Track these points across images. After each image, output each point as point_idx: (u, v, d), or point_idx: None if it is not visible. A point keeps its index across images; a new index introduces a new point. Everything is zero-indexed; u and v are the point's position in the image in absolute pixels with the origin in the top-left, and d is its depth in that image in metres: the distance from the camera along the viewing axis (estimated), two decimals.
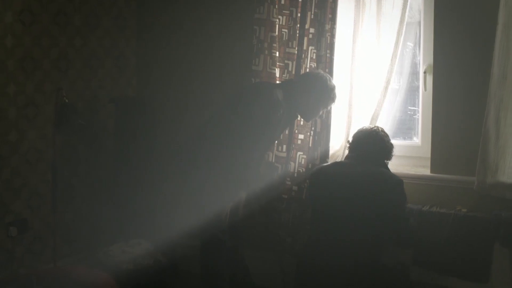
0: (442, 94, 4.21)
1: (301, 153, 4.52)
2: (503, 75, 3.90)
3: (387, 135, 3.88)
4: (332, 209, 3.65)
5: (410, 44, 4.51)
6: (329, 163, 4.15)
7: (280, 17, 4.53)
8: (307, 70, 4.46)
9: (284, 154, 4.56)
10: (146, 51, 5.35)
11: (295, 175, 4.53)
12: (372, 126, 3.99)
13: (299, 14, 4.47)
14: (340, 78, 4.43)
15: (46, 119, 4.52)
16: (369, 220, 3.51)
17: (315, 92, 4.05)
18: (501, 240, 3.82)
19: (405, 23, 4.22)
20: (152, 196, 4.74)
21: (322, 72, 4.20)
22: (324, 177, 3.80)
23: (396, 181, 3.59)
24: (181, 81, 5.16)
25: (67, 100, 3.97)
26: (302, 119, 4.46)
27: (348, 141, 4.02)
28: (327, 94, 4.08)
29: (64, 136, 4.40)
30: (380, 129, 3.89)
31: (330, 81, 4.11)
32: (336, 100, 4.17)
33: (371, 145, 3.80)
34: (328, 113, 4.37)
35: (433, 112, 4.25)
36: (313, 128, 4.44)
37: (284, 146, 4.55)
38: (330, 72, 4.34)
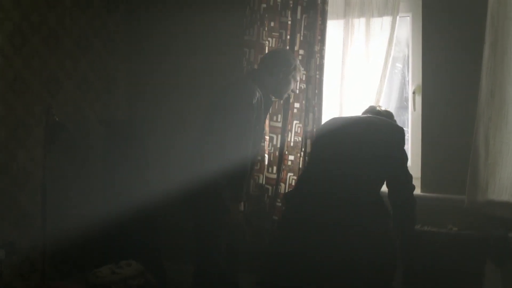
0: (431, 113, 4.25)
1: (292, 174, 4.52)
2: (491, 93, 3.95)
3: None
4: (330, 148, 3.68)
5: (399, 65, 4.56)
6: None
7: (269, 39, 4.58)
8: (297, 91, 4.49)
9: (275, 176, 4.56)
10: (136, 74, 5.36)
11: None
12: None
13: (288, 36, 4.52)
14: (330, 98, 4.46)
15: (36, 141, 4.49)
16: (367, 160, 3.53)
17: (281, 67, 4.06)
18: (492, 258, 3.82)
19: (393, 44, 4.28)
20: (142, 216, 4.71)
21: (279, 47, 4.37)
22: (330, 123, 3.87)
23: (399, 127, 3.70)
24: (171, 104, 5.17)
25: (57, 119, 3.97)
26: (292, 140, 4.48)
27: None
28: (292, 65, 4.10)
29: (54, 154, 4.37)
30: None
31: (290, 53, 4.24)
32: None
33: (382, 113, 3.93)
34: None
35: (422, 131, 4.29)
36: (303, 149, 4.46)
37: (275, 167, 4.56)
38: (320, 93, 4.39)
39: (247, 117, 3.83)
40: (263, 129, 4.27)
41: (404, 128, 3.78)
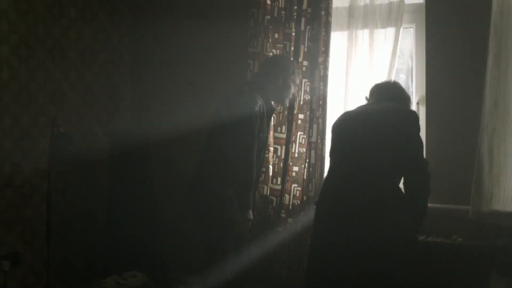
0: (435, 124, 4.27)
1: (296, 185, 4.53)
2: (495, 104, 3.96)
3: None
4: (349, 144, 3.63)
5: (402, 76, 4.57)
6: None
7: (274, 50, 4.59)
8: (301, 103, 4.51)
9: (279, 187, 4.56)
10: (140, 86, 5.38)
11: (290, 207, 4.53)
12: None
13: (292, 48, 4.54)
14: (334, 109, 4.47)
15: (41, 152, 4.50)
16: (384, 150, 3.48)
17: (280, 72, 4.05)
18: (497, 268, 3.81)
19: (397, 55, 4.30)
20: (147, 227, 4.72)
21: (276, 54, 4.44)
22: (347, 117, 3.77)
23: (412, 112, 3.62)
24: (176, 116, 5.17)
25: (62, 130, 3.99)
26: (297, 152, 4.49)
27: (366, 97, 3.94)
28: (290, 69, 4.08)
29: (59, 166, 4.38)
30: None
31: (287, 57, 4.30)
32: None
33: (392, 92, 3.80)
34: (323, 144, 4.40)
35: (426, 142, 4.27)
36: (307, 160, 4.46)
37: (279, 179, 4.56)
38: (324, 104, 4.41)
39: (250, 128, 3.83)
40: (267, 137, 4.24)
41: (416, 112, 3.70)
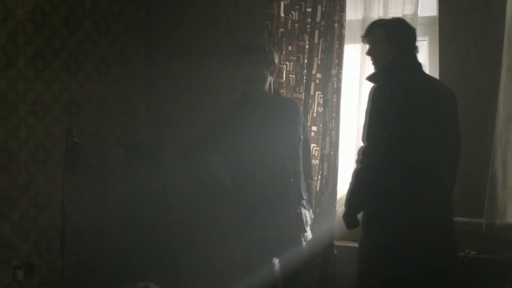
0: None
1: None
2: (508, 117, 3.95)
3: None
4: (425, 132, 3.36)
5: None
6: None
7: (287, 63, 4.60)
8: (314, 115, 4.51)
9: None
10: (155, 98, 5.41)
11: None
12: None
13: (306, 60, 4.54)
14: (347, 121, 4.48)
15: (56, 163, 4.54)
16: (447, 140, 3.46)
17: None
18: (511, 282, 3.79)
19: None
20: (161, 238, 4.74)
21: None
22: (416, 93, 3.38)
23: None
24: (190, 127, 5.18)
25: (77, 140, 4.01)
26: None
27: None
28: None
29: (74, 176, 4.40)
30: None
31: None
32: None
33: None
34: (336, 157, 4.41)
35: None
36: (320, 172, 4.46)
37: None
38: (337, 116, 4.40)
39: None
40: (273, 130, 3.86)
41: None
